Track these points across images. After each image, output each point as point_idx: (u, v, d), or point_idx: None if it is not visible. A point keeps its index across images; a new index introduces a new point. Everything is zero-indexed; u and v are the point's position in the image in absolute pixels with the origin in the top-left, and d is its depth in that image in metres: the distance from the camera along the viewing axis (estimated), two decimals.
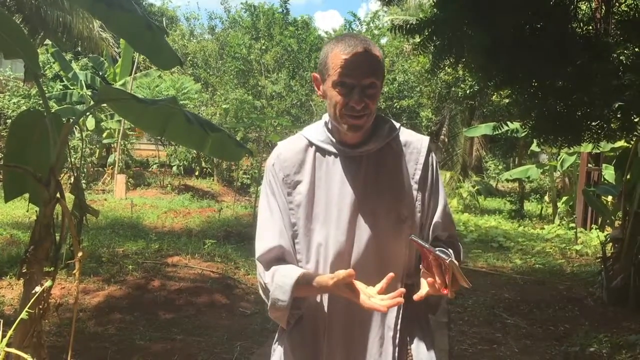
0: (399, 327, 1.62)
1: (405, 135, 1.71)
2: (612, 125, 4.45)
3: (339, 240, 1.59)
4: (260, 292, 1.68)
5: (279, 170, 1.67)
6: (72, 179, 3.28)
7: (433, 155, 1.71)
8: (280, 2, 20.57)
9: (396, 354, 1.61)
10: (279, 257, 1.63)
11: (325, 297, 1.63)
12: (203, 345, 4.35)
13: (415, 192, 1.64)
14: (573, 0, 4.25)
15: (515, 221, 13.06)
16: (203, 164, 16.74)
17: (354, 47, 1.53)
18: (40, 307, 2.79)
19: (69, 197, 3.18)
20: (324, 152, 1.67)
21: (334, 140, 1.66)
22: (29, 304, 2.57)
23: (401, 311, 1.62)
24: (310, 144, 1.68)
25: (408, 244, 1.61)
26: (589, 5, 4.57)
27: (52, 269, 2.91)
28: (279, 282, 1.58)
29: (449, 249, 1.63)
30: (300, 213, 1.63)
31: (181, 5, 64.31)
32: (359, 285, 1.47)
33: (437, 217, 1.68)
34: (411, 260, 1.65)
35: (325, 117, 1.71)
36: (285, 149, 1.70)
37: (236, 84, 18.78)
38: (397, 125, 1.71)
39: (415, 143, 1.69)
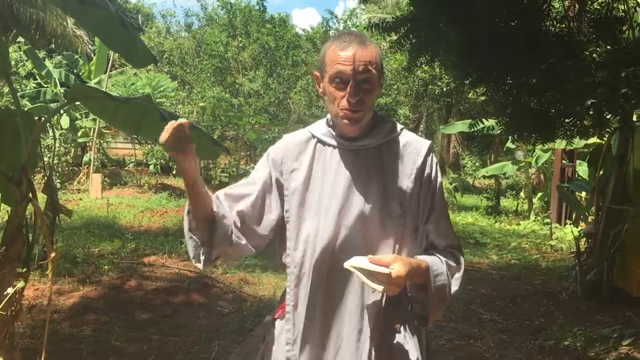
0: (379, 318, 1.63)
1: (407, 136, 1.73)
2: (584, 122, 4.52)
3: (327, 230, 1.61)
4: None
5: (274, 154, 1.73)
6: (45, 178, 3.23)
7: (434, 159, 1.72)
8: None
9: (373, 348, 1.62)
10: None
11: (305, 297, 1.64)
12: (180, 345, 4.31)
13: (410, 192, 1.65)
14: None
15: (491, 217, 13.20)
16: None
17: (349, 43, 1.57)
18: (13, 308, 2.75)
19: (43, 197, 3.14)
20: (324, 144, 1.71)
21: (333, 133, 1.70)
22: (1, 306, 2.54)
23: (383, 304, 1.63)
24: (313, 136, 1.73)
25: (396, 241, 1.62)
26: (562, 4, 4.63)
27: (24, 269, 2.87)
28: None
29: (446, 259, 1.66)
30: (294, 200, 1.67)
31: (157, 2, 63.67)
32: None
33: (430, 222, 1.68)
34: None
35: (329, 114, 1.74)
36: (289, 138, 1.77)
37: (213, 81, 18.65)
38: (400, 126, 1.74)
39: (415, 144, 1.71)
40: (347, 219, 1.61)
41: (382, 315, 1.63)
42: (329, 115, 1.74)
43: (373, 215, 1.61)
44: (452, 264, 1.68)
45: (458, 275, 1.69)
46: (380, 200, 1.63)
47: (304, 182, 1.67)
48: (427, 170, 1.68)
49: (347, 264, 1.51)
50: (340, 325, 1.63)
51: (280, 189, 1.70)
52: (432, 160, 1.70)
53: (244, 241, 1.65)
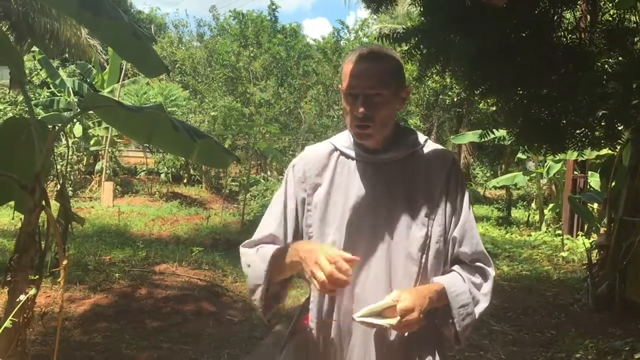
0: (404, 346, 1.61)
1: (431, 148, 1.70)
2: (596, 133, 4.49)
3: (350, 245, 1.57)
4: (245, 271, 1.69)
5: (297, 170, 1.71)
6: (58, 186, 3.26)
7: (459, 170, 1.69)
8: (269, 9, 20.67)
9: None
10: (268, 243, 1.67)
11: (332, 315, 1.62)
12: (190, 353, 4.32)
13: (436, 206, 1.61)
14: (557, 10, 4.29)
15: (502, 228, 13.10)
16: (191, 171, 16.68)
17: (362, 57, 1.56)
18: (25, 315, 2.77)
19: (55, 205, 3.16)
20: (347, 157, 1.69)
21: (356, 146, 1.68)
22: (13, 313, 2.56)
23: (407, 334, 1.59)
24: (335, 149, 1.71)
25: (422, 256, 1.59)
26: (573, 15, 4.63)
27: (36, 277, 2.89)
28: (260, 254, 1.64)
29: (469, 276, 1.62)
30: (316, 215, 1.65)
31: (170, 12, 64.25)
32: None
33: (455, 232, 1.63)
34: (424, 278, 1.60)
35: None
36: (311, 152, 1.74)
37: (224, 91, 18.77)
38: (424, 138, 1.71)
39: (440, 157, 1.68)
40: (373, 236, 1.59)
41: (409, 343, 1.61)
42: None
43: (398, 230, 1.59)
44: (478, 280, 1.63)
45: (486, 290, 1.65)
46: (406, 215, 1.59)
47: (325, 196, 1.65)
48: (452, 182, 1.64)
49: (356, 316, 1.47)
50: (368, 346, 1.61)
51: (296, 204, 1.70)
52: (457, 171, 1.67)
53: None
